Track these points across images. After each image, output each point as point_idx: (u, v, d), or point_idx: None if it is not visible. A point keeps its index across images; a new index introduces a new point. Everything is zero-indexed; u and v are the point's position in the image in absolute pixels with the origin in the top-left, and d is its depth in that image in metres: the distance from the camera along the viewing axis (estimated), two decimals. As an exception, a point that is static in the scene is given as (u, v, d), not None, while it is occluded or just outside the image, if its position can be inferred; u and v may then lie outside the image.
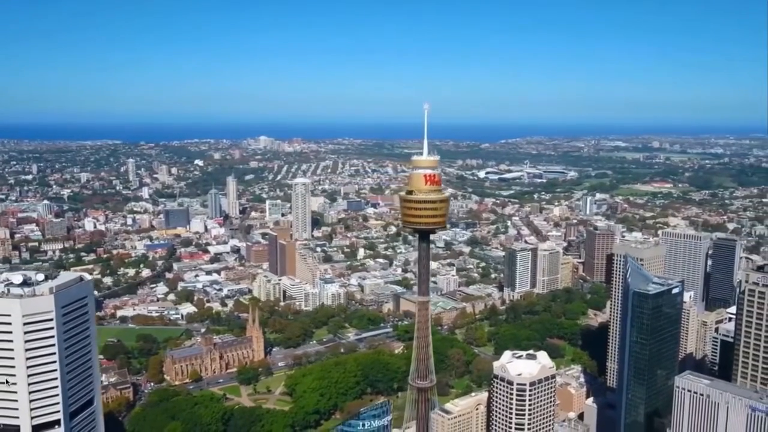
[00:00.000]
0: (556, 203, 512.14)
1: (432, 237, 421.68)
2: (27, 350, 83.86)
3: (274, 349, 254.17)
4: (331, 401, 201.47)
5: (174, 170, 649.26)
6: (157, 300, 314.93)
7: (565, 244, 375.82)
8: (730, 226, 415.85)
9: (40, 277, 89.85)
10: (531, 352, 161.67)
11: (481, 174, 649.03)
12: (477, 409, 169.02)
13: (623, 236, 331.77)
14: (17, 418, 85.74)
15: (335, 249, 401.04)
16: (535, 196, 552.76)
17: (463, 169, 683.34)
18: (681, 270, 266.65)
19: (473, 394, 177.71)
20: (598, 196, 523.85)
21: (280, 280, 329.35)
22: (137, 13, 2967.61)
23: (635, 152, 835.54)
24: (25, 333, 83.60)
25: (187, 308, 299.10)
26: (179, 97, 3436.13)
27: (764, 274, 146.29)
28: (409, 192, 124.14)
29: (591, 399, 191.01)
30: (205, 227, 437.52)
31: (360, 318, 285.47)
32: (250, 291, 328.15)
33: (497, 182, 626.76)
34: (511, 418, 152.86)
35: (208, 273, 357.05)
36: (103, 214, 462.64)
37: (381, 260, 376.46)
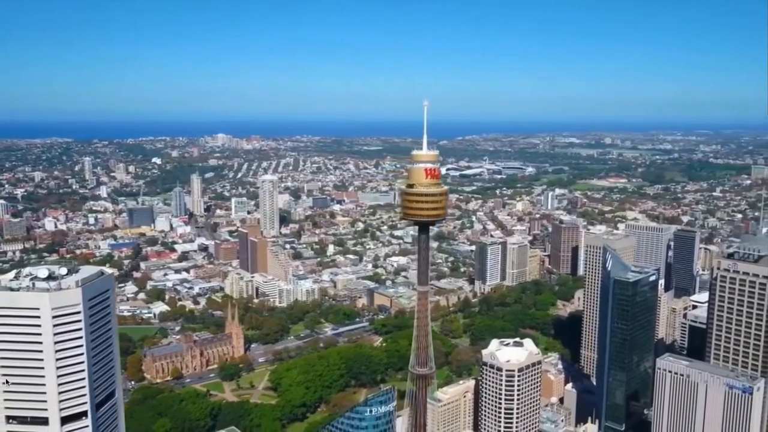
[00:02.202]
0: (518, 198, 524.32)
1: (399, 233, 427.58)
2: (56, 343, 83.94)
3: (252, 346, 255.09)
4: (316, 394, 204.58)
5: (131, 168, 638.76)
6: (127, 299, 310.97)
7: (530, 238, 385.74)
8: (685, 218, 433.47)
9: (63, 270, 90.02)
10: (518, 339, 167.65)
11: (443, 170, 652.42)
12: (465, 396, 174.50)
13: (588, 230, 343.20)
14: (45, 410, 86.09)
15: (304, 246, 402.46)
16: (497, 191, 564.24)
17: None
18: (644, 260, 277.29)
19: (461, 382, 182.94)
20: (558, 191, 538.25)
21: (252, 277, 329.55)
22: (78, 6, 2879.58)
23: (589, 148, 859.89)
24: (54, 326, 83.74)
25: (160, 307, 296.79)
26: (128, 94, 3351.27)
27: (734, 261, 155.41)
28: (410, 185, 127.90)
29: (570, 384, 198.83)
30: (171, 226, 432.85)
31: (336, 313, 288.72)
32: (221, 288, 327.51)
33: (458, 178, 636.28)
34: (500, 404, 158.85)
35: (177, 271, 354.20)
36: (63, 214, 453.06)
37: (351, 256, 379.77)
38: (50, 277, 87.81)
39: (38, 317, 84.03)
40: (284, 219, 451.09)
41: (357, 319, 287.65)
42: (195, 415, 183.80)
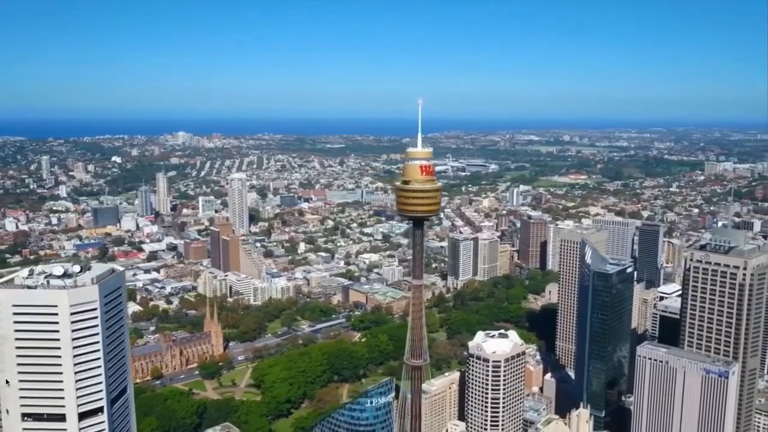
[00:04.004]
0: (484, 195, 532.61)
1: (369, 230, 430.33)
2: (74, 339, 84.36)
3: (230, 344, 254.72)
4: (300, 390, 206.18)
5: (91, 167, 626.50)
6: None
7: (498, 234, 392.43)
8: (645, 213, 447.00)
9: (77, 268, 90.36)
10: (502, 331, 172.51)
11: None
12: (450, 387, 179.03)
13: (557, 225, 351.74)
14: (63, 407, 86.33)
15: (275, 244, 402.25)
16: (462, 188, 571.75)
17: (389, 164, 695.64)
18: (612, 254, 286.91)
19: (446, 374, 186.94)
20: (522, 187, 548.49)
21: (226, 275, 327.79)
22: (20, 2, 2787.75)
23: (548, 146, 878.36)
24: (72, 323, 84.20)
25: (132, 307, 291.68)
26: (81, 92, 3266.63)
27: (707, 252, 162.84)
28: (406, 182, 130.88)
29: (549, 374, 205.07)
30: (137, 225, 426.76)
31: (312, 310, 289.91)
32: (194, 288, 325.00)
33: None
34: (486, 394, 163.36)
35: (147, 271, 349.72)
36: (24, 214, 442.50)
37: (323, 254, 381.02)
38: (65, 275, 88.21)
39: (56, 314, 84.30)
40: (252, 217, 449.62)
41: (333, 315, 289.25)
42: (181, 414, 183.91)
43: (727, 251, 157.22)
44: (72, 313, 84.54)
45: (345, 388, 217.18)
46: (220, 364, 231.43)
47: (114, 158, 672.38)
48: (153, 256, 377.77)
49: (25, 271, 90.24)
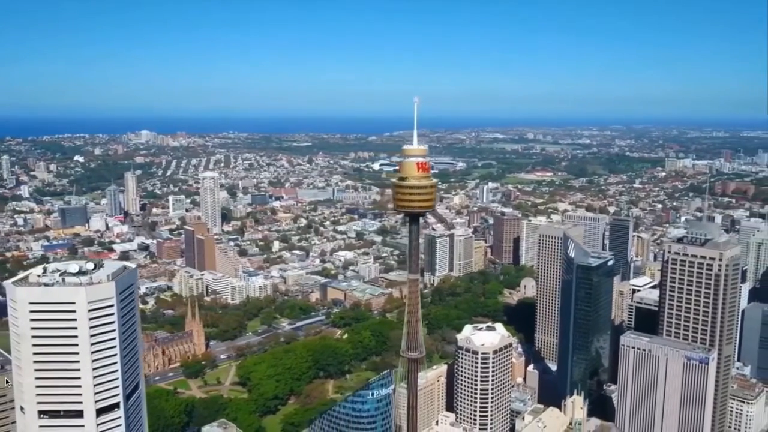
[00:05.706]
0: (454, 192, 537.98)
1: (342, 228, 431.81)
2: (91, 336, 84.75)
3: (211, 343, 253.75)
4: (287, 386, 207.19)
5: (53, 167, 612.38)
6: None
7: (471, 230, 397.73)
8: (611, 209, 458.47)
9: (90, 265, 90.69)
10: (490, 324, 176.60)
11: (376, 166, 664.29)
12: (439, 380, 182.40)
13: (529, 221, 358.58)
14: (80, 403, 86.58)
15: (248, 242, 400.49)
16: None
17: (357, 162, 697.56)
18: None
19: (435, 367, 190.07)
20: (491, 184, 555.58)
21: (202, 275, 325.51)
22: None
23: (513, 143, 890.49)
24: (90, 320, 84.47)
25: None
26: (33, 89, 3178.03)
27: (684, 245, 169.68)
28: (402, 178, 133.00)
29: (531, 366, 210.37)
30: (107, 225, 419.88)
31: (291, 308, 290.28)
32: (169, 288, 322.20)
33: (393, 173, 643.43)
34: (476, 385, 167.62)
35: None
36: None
37: (297, 252, 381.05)
38: (80, 272, 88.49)
39: (74, 311, 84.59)
40: (224, 216, 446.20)
41: (312, 313, 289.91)
42: (170, 413, 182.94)
43: (704, 243, 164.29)
44: (90, 310, 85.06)
45: (330, 384, 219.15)
46: (203, 362, 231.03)
47: (76, 157, 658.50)
48: (125, 256, 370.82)
49: (39, 269, 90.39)
